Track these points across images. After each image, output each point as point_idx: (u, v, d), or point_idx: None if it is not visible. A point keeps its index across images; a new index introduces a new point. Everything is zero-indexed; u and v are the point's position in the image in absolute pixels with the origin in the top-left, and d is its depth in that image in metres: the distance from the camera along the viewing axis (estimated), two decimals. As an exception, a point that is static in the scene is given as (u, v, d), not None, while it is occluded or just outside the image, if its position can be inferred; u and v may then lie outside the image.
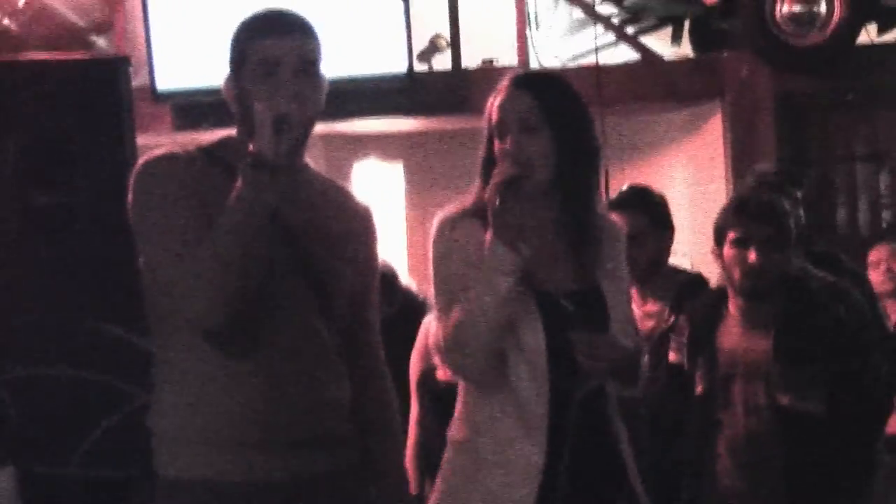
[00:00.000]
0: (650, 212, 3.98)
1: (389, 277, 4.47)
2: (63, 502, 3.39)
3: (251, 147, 2.27)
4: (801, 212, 4.22)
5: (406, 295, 4.71)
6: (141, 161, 2.47)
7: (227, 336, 2.35)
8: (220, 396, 2.40)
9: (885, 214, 7.09)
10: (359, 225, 2.67)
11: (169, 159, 2.45)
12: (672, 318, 3.59)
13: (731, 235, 3.36)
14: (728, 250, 3.36)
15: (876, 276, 5.11)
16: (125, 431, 3.28)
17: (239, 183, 2.28)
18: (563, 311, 2.60)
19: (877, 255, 5.21)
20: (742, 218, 3.35)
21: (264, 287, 2.35)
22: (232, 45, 2.51)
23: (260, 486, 2.41)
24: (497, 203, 2.50)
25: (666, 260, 4.08)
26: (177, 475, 2.44)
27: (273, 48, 2.42)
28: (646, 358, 2.78)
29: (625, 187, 4.26)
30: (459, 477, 2.69)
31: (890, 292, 5.10)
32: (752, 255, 3.31)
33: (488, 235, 2.54)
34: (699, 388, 3.40)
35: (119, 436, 3.34)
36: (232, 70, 2.50)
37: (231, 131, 2.56)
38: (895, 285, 4.82)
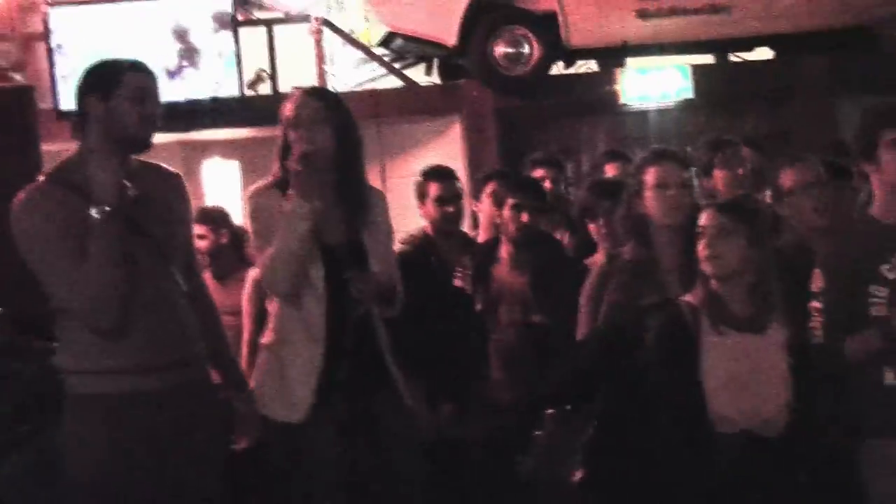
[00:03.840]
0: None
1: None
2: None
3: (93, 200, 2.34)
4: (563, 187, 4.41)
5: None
6: (14, 203, 2.41)
7: (111, 330, 2.42)
8: (107, 340, 2.42)
9: (571, 192, 7.46)
10: (173, 186, 2.64)
11: (33, 198, 2.41)
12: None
13: (510, 202, 3.43)
14: (507, 212, 3.43)
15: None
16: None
17: (95, 225, 2.33)
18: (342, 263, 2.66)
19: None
20: (519, 190, 3.47)
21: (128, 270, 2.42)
22: (105, 74, 2.48)
23: (144, 395, 2.45)
24: (299, 168, 2.62)
25: None
26: (83, 392, 2.45)
27: (144, 81, 2.47)
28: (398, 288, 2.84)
29: None
30: (268, 371, 2.76)
31: None
32: (525, 216, 3.42)
33: (290, 192, 2.63)
34: (478, 307, 3.48)
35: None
36: (101, 92, 2.44)
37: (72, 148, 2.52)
38: None
